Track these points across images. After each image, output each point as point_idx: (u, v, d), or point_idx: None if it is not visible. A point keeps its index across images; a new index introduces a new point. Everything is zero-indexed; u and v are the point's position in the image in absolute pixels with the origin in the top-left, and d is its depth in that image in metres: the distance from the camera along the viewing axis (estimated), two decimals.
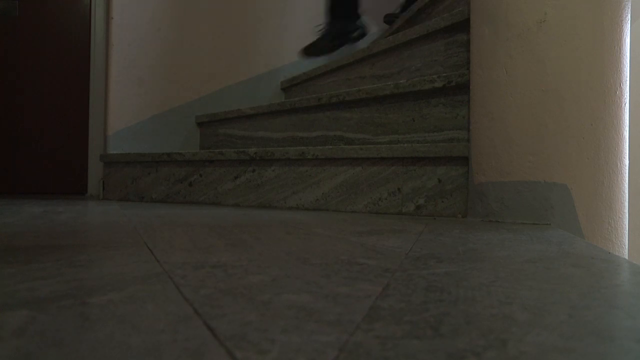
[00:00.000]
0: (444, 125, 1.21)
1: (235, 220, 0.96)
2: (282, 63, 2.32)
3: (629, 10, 0.95)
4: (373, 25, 2.13)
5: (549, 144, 0.92)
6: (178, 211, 1.20)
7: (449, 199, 1.09)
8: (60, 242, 0.64)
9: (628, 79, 0.94)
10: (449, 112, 1.20)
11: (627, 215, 0.95)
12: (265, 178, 1.38)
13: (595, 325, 0.31)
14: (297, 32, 2.36)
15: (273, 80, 2.29)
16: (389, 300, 0.36)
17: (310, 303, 0.35)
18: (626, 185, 0.95)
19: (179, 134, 2.03)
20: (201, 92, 2.07)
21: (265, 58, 2.27)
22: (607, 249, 0.87)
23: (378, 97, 1.34)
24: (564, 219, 0.91)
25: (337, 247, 0.62)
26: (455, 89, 1.18)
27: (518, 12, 0.94)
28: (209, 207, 1.37)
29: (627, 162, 0.94)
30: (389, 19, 2.11)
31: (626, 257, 0.93)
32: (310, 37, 2.38)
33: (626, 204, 0.95)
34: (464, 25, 1.30)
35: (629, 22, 0.95)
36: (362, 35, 2.03)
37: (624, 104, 0.93)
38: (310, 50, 1.97)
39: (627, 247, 0.95)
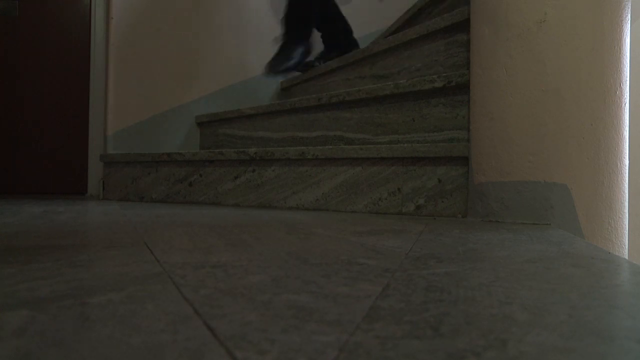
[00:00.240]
0: (444, 125, 1.21)
1: (235, 220, 0.96)
2: None
3: (629, 10, 0.95)
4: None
5: (549, 144, 0.92)
6: (178, 211, 1.20)
7: (449, 199, 1.09)
8: (60, 242, 0.64)
9: (628, 79, 0.94)
10: (449, 112, 1.20)
11: (627, 215, 0.95)
12: (265, 178, 1.38)
13: (595, 325, 0.31)
14: None
15: (273, 80, 2.29)
16: (389, 300, 0.36)
17: (310, 303, 0.35)
18: (626, 185, 0.95)
19: (179, 134, 2.03)
20: (201, 92, 2.07)
21: (266, 58, 2.27)
22: (607, 249, 0.87)
23: (378, 97, 1.34)
24: (564, 219, 0.91)
25: (337, 247, 0.62)
26: (455, 89, 1.18)
27: (518, 12, 0.94)
28: (209, 207, 1.37)
29: (627, 162, 0.94)
30: (305, 68, 2.01)
31: (626, 257, 0.93)
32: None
33: (626, 204, 0.95)
34: (464, 25, 1.30)
35: (629, 22, 0.95)
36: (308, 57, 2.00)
37: (624, 104, 0.93)
38: (275, 67, 1.93)
39: (627, 247, 0.95)
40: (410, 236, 0.74)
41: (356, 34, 2.67)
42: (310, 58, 2.01)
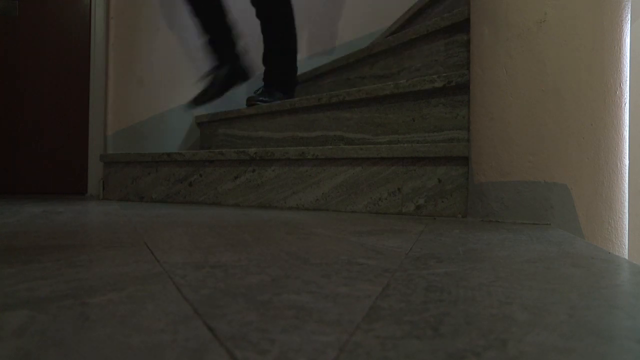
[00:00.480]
0: (444, 125, 1.21)
1: (235, 220, 0.96)
2: None
3: (629, 10, 0.95)
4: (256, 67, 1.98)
5: (549, 144, 0.92)
6: (178, 211, 1.20)
7: (449, 199, 1.09)
8: (60, 242, 0.64)
9: (628, 79, 0.94)
10: (449, 112, 1.20)
11: (627, 215, 0.95)
12: (265, 178, 1.38)
13: (595, 325, 0.31)
14: (297, 32, 2.36)
15: None
16: (389, 300, 0.36)
17: (310, 303, 0.35)
18: (626, 185, 0.95)
19: (179, 134, 2.03)
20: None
21: None
22: (607, 249, 0.87)
23: (378, 97, 1.34)
24: (564, 219, 0.91)
25: (337, 247, 0.62)
26: (455, 89, 1.18)
27: (518, 12, 0.94)
28: (209, 207, 1.37)
29: (627, 162, 0.94)
30: (250, 102, 1.84)
31: (626, 257, 0.93)
32: (313, 35, 2.38)
33: (626, 204, 0.95)
34: (464, 25, 1.30)
35: (629, 22, 0.95)
36: (246, 76, 1.88)
37: (624, 104, 0.93)
38: (199, 99, 1.79)
39: (627, 247, 0.95)
40: (410, 236, 0.74)
41: (356, 34, 2.66)
42: (251, 93, 1.84)
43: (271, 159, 1.36)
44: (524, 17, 0.93)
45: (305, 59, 2.39)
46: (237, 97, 2.16)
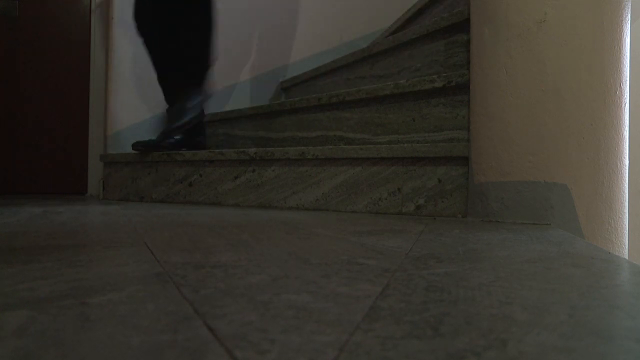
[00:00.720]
0: (444, 125, 1.21)
1: (235, 220, 0.96)
2: (282, 63, 2.32)
3: (629, 10, 0.95)
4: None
5: (549, 144, 0.92)
6: (178, 211, 1.20)
7: (449, 199, 1.09)
8: (60, 242, 0.64)
9: (628, 79, 0.94)
10: (449, 112, 1.20)
11: (627, 215, 0.95)
12: (265, 178, 1.38)
13: (595, 325, 0.31)
14: (298, 32, 2.36)
15: (273, 80, 2.29)
16: (389, 300, 0.36)
17: (310, 303, 0.35)
18: (626, 185, 0.95)
19: None
20: None
21: (265, 58, 2.27)
22: (607, 249, 0.87)
23: (378, 97, 1.34)
24: (564, 219, 0.91)
25: (337, 247, 0.62)
26: (455, 89, 1.18)
27: (518, 12, 0.94)
28: (209, 207, 1.37)
29: (627, 162, 0.94)
30: (137, 147, 1.60)
31: (626, 257, 0.93)
32: (314, 35, 2.38)
33: (626, 204, 0.95)
34: (464, 25, 1.30)
35: (629, 22, 0.95)
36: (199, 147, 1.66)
37: (624, 104, 0.93)
38: (139, 146, 1.59)
39: (627, 247, 0.95)
40: (410, 236, 0.74)
41: (356, 34, 2.66)
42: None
43: (271, 159, 1.36)
44: (524, 17, 0.93)
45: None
46: (237, 96, 2.16)
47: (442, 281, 0.43)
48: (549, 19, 0.91)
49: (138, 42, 1.69)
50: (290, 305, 0.34)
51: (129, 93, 1.92)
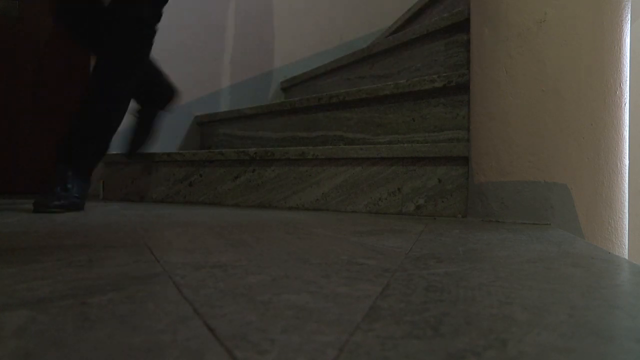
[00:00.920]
0: (444, 125, 1.21)
1: (235, 220, 0.96)
2: (282, 63, 2.32)
3: (629, 10, 0.95)
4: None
5: (549, 144, 0.92)
6: (178, 211, 1.20)
7: (449, 199, 1.09)
8: (60, 242, 0.64)
9: (628, 79, 0.94)
10: (449, 112, 1.20)
11: (627, 215, 0.95)
12: (265, 178, 1.38)
13: (595, 325, 0.31)
14: (298, 32, 2.36)
15: (273, 80, 2.29)
16: (389, 300, 0.36)
17: (310, 303, 0.35)
18: (626, 185, 0.95)
19: (179, 134, 2.03)
20: (200, 92, 2.07)
21: (265, 58, 2.27)
22: (607, 249, 0.87)
23: (378, 97, 1.34)
24: (564, 219, 0.91)
25: (337, 247, 0.62)
26: (455, 89, 1.18)
27: (518, 12, 0.94)
28: (209, 207, 1.37)
29: (627, 162, 0.94)
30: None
31: (626, 257, 0.93)
32: (314, 35, 2.39)
33: (626, 204, 0.95)
34: (464, 25, 1.30)
35: (629, 22, 0.95)
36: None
37: (624, 104, 0.93)
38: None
39: (627, 247, 0.95)
40: (410, 236, 0.74)
41: (356, 34, 2.65)
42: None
43: (271, 159, 1.36)
44: (524, 17, 0.93)
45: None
46: (237, 96, 2.16)
47: (442, 281, 0.43)
48: (549, 19, 0.91)
49: None
50: (290, 305, 0.34)
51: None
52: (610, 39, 0.91)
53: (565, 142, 0.91)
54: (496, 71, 0.97)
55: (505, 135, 0.96)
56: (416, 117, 1.27)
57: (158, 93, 1.60)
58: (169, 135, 1.99)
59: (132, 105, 1.48)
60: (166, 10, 1.96)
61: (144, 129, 1.57)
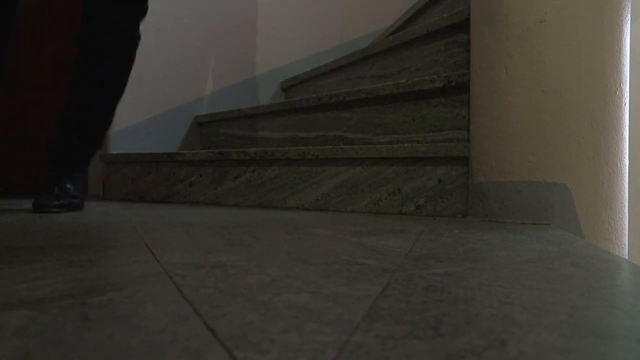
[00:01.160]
0: (444, 125, 1.21)
1: (235, 220, 0.96)
2: (282, 63, 2.32)
3: (629, 10, 0.95)
4: None
5: (549, 144, 0.92)
6: (178, 211, 1.20)
7: (449, 199, 1.09)
8: (60, 242, 0.64)
9: (628, 79, 0.94)
10: (449, 112, 1.20)
11: (627, 215, 0.95)
12: (265, 178, 1.38)
13: (595, 325, 0.31)
14: (298, 32, 2.36)
15: (273, 80, 2.29)
16: (389, 300, 0.36)
17: (310, 303, 0.35)
18: (626, 185, 0.95)
19: (179, 134, 2.03)
20: (201, 92, 2.07)
21: (266, 58, 2.27)
22: (607, 249, 0.87)
23: (378, 97, 1.34)
24: (564, 219, 0.91)
25: (337, 247, 0.62)
26: (455, 89, 1.18)
27: (518, 12, 0.94)
28: (209, 207, 1.37)
29: (627, 162, 0.94)
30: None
31: (626, 257, 0.93)
32: (314, 35, 2.38)
33: (626, 204, 0.95)
34: (464, 25, 1.30)
35: (629, 22, 0.95)
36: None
37: (624, 104, 0.93)
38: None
39: (627, 247, 0.95)
40: (410, 236, 0.74)
41: (356, 34, 2.65)
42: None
43: (271, 159, 1.37)
44: (524, 17, 0.93)
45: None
46: (237, 96, 2.16)
47: (442, 281, 0.43)
48: (549, 19, 0.91)
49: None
50: (290, 305, 0.34)
51: (129, 93, 1.92)
52: (610, 39, 0.91)
53: (565, 142, 0.91)
54: (496, 71, 0.97)
55: (505, 135, 0.96)
56: (416, 117, 1.27)
57: None
58: (169, 135, 1.99)
59: None
60: (166, 10, 1.95)
61: None
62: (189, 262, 0.50)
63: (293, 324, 0.30)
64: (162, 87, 1.98)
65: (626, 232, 0.94)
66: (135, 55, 1.27)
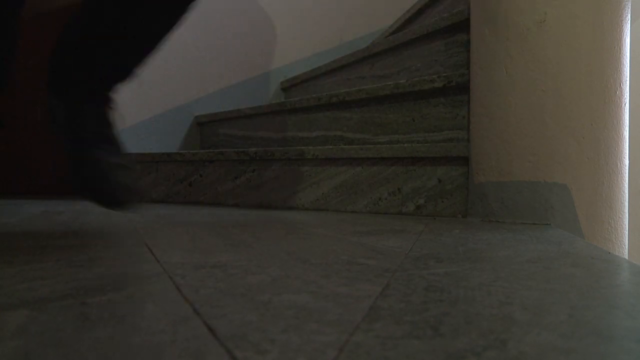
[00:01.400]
0: (443, 125, 1.21)
1: (235, 220, 0.96)
2: (282, 63, 2.32)
3: (629, 10, 0.95)
4: None
5: (549, 144, 0.92)
6: (178, 211, 1.20)
7: (449, 199, 1.09)
8: (60, 242, 0.64)
9: (628, 79, 0.94)
10: (449, 112, 1.20)
11: (627, 215, 0.95)
12: (265, 178, 1.38)
13: (595, 325, 0.31)
14: (298, 32, 2.36)
15: (273, 80, 2.29)
16: (389, 300, 0.36)
17: (310, 303, 0.35)
18: (626, 185, 0.95)
19: (179, 134, 2.03)
20: (201, 92, 2.07)
21: (266, 58, 2.27)
22: (607, 249, 0.87)
23: (378, 97, 1.34)
24: (564, 219, 0.91)
25: (337, 247, 0.62)
26: (455, 89, 1.18)
27: (518, 12, 0.94)
28: (209, 207, 1.37)
29: (627, 162, 0.94)
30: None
31: (626, 257, 0.93)
32: (314, 35, 2.38)
33: (626, 204, 0.95)
34: (464, 25, 1.30)
35: (629, 22, 0.95)
36: None
37: (624, 104, 0.93)
38: None
39: (627, 247, 0.95)
40: (410, 236, 0.74)
41: (356, 34, 2.65)
42: None
43: (271, 159, 1.36)
44: (524, 17, 0.93)
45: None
46: (238, 97, 2.16)
47: (442, 281, 0.43)
48: (549, 19, 0.91)
49: None
50: (290, 305, 0.34)
51: (129, 93, 1.92)
52: (610, 39, 0.91)
53: (565, 142, 0.91)
54: (496, 71, 0.97)
55: (505, 135, 0.96)
56: (416, 117, 1.27)
57: None
58: (169, 135, 1.99)
59: None
60: None
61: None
62: (189, 262, 0.50)
63: (293, 324, 0.30)
64: (162, 87, 1.98)
65: (626, 232, 0.94)
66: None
